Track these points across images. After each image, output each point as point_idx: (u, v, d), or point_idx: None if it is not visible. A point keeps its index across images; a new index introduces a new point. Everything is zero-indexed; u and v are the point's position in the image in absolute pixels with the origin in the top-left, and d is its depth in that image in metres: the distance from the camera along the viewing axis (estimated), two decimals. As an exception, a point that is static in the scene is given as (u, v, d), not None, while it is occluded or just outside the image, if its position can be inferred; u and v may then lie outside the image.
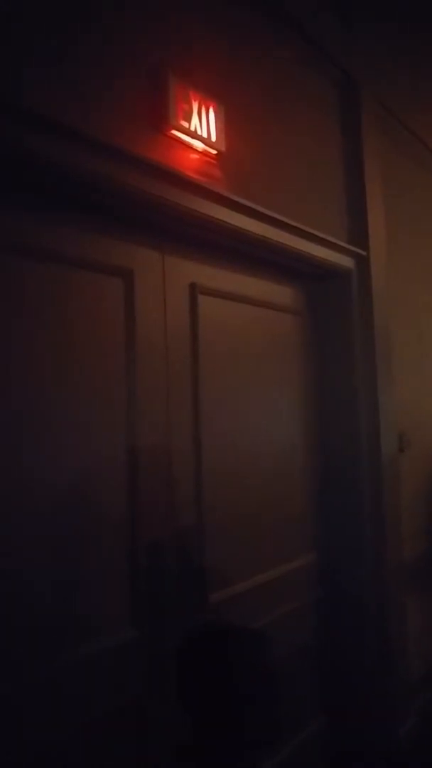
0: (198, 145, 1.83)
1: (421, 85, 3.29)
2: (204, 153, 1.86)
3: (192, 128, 1.79)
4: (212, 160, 1.89)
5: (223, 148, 1.89)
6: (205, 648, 1.33)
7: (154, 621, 1.70)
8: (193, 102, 1.80)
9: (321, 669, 2.45)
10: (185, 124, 1.77)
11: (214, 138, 1.86)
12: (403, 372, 2.91)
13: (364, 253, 2.58)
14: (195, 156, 1.84)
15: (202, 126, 1.82)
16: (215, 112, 1.87)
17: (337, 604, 2.49)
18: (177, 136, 1.77)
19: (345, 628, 2.48)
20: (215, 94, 1.89)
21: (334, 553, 2.52)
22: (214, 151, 1.88)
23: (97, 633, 1.56)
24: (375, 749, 2.45)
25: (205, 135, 1.83)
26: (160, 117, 1.72)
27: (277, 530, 2.27)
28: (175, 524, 1.81)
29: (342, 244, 2.45)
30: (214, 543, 1.95)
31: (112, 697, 1.57)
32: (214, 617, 1.84)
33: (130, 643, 1.64)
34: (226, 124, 1.92)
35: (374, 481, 2.52)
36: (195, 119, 1.80)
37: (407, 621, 2.72)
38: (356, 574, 2.48)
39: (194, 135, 1.80)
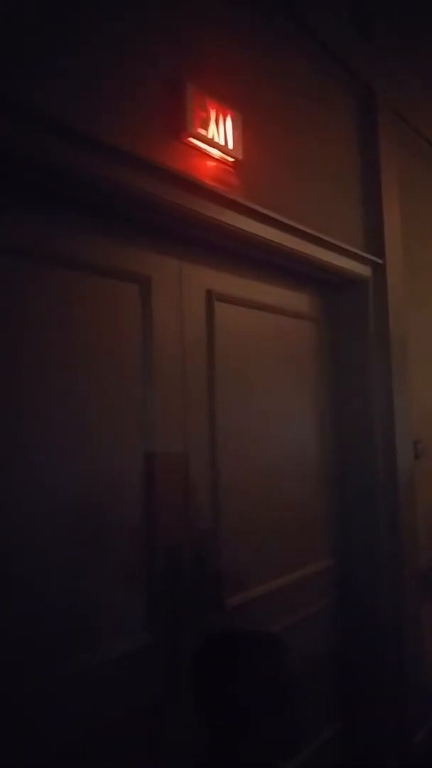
0: (215, 153, 1.84)
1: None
2: (221, 161, 1.87)
3: (210, 136, 1.80)
4: (229, 168, 1.91)
5: (239, 156, 1.91)
6: (222, 653, 1.33)
7: (169, 626, 1.70)
8: (211, 110, 1.81)
9: (336, 675, 2.44)
10: (203, 132, 1.78)
11: (231, 146, 1.87)
12: (419, 380, 2.89)
13: (380, 261, 2.57)
14: (212, 164, 1.85)
15: (219, 134, 1.83)
16: (232, 120, 1.88)
17: (352, 609, 2.48)
18: (195, 144, 1.78)
19: (360, 634, 2.47)
20: (232, 102, 1.90)
21: (349, 559, 2.51)
22: (231, 159, 1.89)
23: (112, 638, 1.56)
24: (390, 756, 2.42)
25: (222, 143, 1.84)
26: (178, 125, 1.73)
27: (293, 536, 2.26)
28: (191, 529, 1.81)
29: (358, 252, 2.45)
30: (230, 548, 1.95)
31: (126, 703, 1.56)
32: (230, 622, 1.83)
33: (145, 648, 1.64)
34: (243, 132, 1.93)
35: (390, 487, 2.51)
36: (212, 127, 1.81)
37: (423, 627, 2.69)
38: (372, 580, 2.46)
39: (212, 143, 1.81)
